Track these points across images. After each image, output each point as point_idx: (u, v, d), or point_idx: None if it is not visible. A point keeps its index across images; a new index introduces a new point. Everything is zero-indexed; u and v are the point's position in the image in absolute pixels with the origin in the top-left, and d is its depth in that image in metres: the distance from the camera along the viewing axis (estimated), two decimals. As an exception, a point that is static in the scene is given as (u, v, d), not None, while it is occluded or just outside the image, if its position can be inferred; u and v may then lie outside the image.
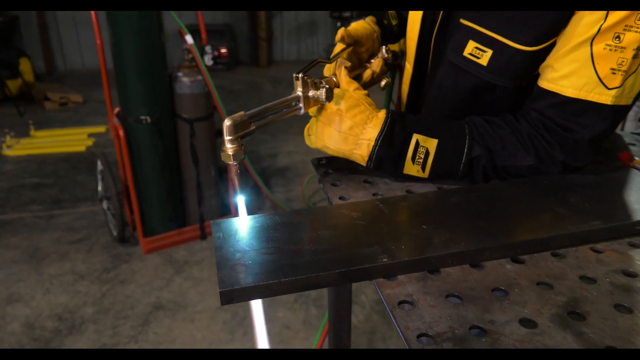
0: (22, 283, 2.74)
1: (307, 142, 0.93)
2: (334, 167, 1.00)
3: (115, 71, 2.66)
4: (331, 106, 0.88)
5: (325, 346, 2.27)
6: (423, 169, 0.90)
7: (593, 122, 0.84)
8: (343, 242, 0.70)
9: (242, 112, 0.76)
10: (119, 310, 2.53)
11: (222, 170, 3.19)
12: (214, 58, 2.70)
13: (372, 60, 1.09)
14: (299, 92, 0.84)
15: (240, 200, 0.78)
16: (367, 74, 1.05)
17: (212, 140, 2.96)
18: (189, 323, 2.44)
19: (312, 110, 0.91)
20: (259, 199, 3.54)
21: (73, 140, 4.84)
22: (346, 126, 0.87)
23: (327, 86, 0.84)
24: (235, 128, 0.74)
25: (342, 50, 1.01)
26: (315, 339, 1.59)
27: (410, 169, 0.91)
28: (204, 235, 3.08)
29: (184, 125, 2.81)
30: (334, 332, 1.13)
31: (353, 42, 1.03)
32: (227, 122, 0.73)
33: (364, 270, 0.65)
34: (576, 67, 0.81)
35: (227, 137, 0.74)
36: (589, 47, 0.80)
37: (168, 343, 2.30)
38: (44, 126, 5.22)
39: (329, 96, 0.85)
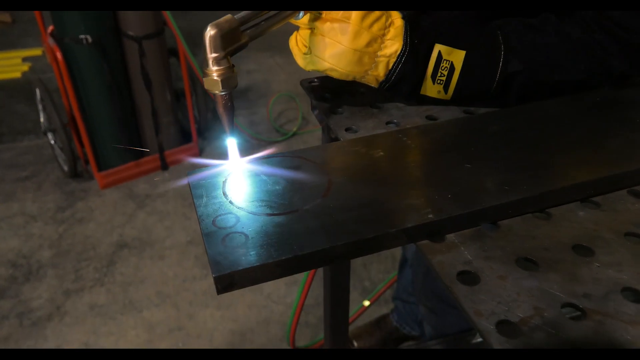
0: (-34, 229, 2.48)
1: (302, 62, 0.71)
2: (331, 89, 0.81)
3: (43, -18, 2.27)
4: (336, 14, 0.66)
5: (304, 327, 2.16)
6: (446, 89, 0.72)
7: None
8: (367, 193, 0.53)
9: (229, 16, 0.53)
10: (80, 252, 2.34)
11: (179, 94, 2.90)
12: (159, -37, 2.33)
13: None
14: None
15: (232, 144, 0.58)
16: None
17: (164, 60, 2.64)
18: (158, 260, 2.29)
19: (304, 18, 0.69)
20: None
21: (6, 65, 4.35)
22: (363, 41, 0.66)
23: None
24: (223, 39, 0.52)
25: None
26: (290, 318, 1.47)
27: (430, 89, 0.72)
28: (164, 165, 2.85)
29: (132, 44, 2.48)
30: (331, 318, 0.98)
31: None
32: (210, 31, 0.51)
33: (404, 231, 0.48)
34: None
35: (212, 55, 0.52)
36: None
37: (137, 283, 2.15)
38: (-30, 51, 4.66)
39: None
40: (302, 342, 1.85)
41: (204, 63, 0.54)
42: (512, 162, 0.58)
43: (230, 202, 0.52)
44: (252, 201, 0.52)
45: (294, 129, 3.22)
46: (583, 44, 0.70)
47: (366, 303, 1.93)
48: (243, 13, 0.56)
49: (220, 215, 0.50)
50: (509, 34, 0.71)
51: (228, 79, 0.53)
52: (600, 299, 0.43)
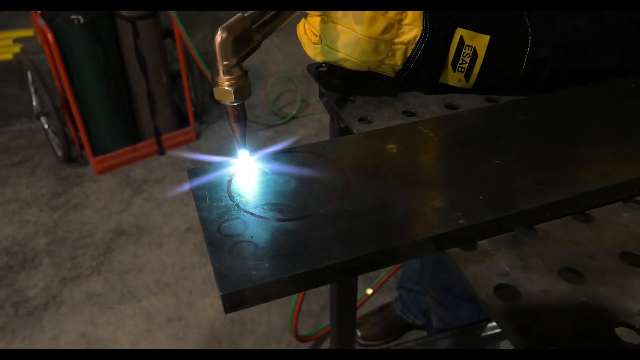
0: (-41, 215, 2.43)
1: (312, 52, 0.66)
2: (340, 75, 0.75)
3: (32, -41, 2.18)
4: None
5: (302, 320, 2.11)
6: (467, 77, 0.66)
7: None
8: (389, 195, 0.48)
9: (239, 15, 0.48)
10: (76, 239, 2.29)
11: (175, 76, 2.82)
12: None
13: None
14: None
15: (244, 156, 0.52)
16: None
17: (159, 41, 2.56)
18: (156, 248, 2.24)
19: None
20: (218, 107, 3.22)
21: (-4, 47, 4.24)
22: (379, 28, 0.60)
23: None
24: (235, 44, 0.46)
25: None
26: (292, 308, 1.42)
27: (450, 77, 0.67)
28: (161, 150, 2.79)
29: (125, 25, 2.40)
30: (338, 315, 0.93)
31: None
32: (221, 36, 0.45)
33: (433, 239, 0.43)
34: None
35: (222, 63, 0.47)
36: None
37: (135, 272, 2.11)
38: (-40, 32, 4.54)
39: None
40: (304, 331, 1.82)
41: (213, 71, 0.48)
42: (545, 158, 0.52)
43: (237, 205, 0.46)
44: (261, 204, 0.46)
45: (294, 112, 3.16)
46: (617, 25, 0.64)
47: (369, 291, 1.89)
48: (253, 10, 0.50)
49: (226, 221, 0.44)
50: (536, 15, 0.65)
51: (241, 89, 0.48)
52: (658, 317, 0.38)
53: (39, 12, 2.31)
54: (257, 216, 0.45)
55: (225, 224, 0.44)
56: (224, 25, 0.46)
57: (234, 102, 0.48)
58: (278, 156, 0.53)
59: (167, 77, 2.69)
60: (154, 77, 2.59)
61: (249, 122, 2.84)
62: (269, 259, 0.40)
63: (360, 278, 2.06)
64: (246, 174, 0.50)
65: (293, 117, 3.14)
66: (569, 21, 0.65)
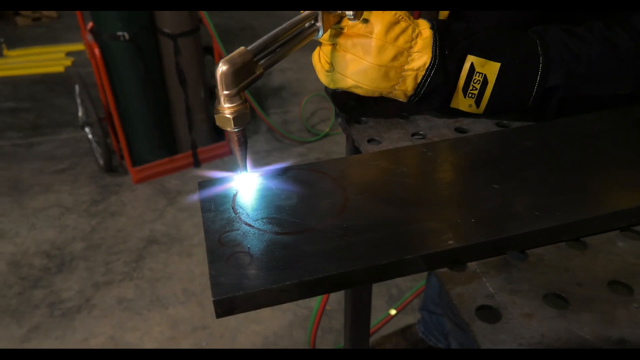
0: (5, 218, 2.56)
1: (325, 79, 0.69)
2: (355, 96, 0.77)
3: (84, -21, 2.31)
4: (358, 26, 0.63)
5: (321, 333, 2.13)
6: (477, 103, 0.68)
7: None
8: (384, 214, 0.49)
9: (242, 48, 0.51)
10: (111, 246, 2.38)
11: (213, 92, 2.91)
12: (196, -39, 2.34)
13: None
14: None
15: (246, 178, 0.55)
16: None
17: (199, 57, 2.66)
18: (186, 257, 2.30)
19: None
20: (254, 122, 3.30)
21: (49, 59, 4.48)
22: (388, 56, 0.62)
23: None
24: (236, 75, 0.50)
25: None
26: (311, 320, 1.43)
27: (461, 102, 0.68)
28: (197, 162, 2.87)
29: (167, 41, 2.50)
30: (351, 330, 0.95)
31: None
32: (222, 68, 0.49)
33: (422, 259, 0.45)
34: None
35: (224, 92, 0.50)
36: None
37: (165, 280, 2.17)
38: (17, 44, 4.81)
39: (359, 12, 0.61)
40: (324, 348, 1.83)
41: (216, 99, 0.52)
42: (545, 184, 0.53)
43: (239, 217, 0.49)
44: (262, 218, 0.49)
45: (327, 130, 3.20)
46: (630, 54, 0.65)
47: (392, 312, 1.88)
48: (257, 43, 0.53)
49: (227, 232, 0.47)
50: (548, 43, 0.66)
51: (240, 116, 0.50)
52: (637, 346, 0.38)
53: (88, 27, 2.44)
54: (256, 229, 0.48)
55: (226, 234, 0.47)
56: (225, 58, 0.49)
57: (234, 129, 0.51)
58: (283, 172, 0.56)
59: (205, 92, 2.78)
60: (192, 92, 2.68)
61: (283, 138, 2.87)
62: (262, 269, 0.43)
63: (384, 297, 2.06)
64: (251, 189, 0.53)
65: (326, 135, 3.18)
66: (582, 48, 0.66)
